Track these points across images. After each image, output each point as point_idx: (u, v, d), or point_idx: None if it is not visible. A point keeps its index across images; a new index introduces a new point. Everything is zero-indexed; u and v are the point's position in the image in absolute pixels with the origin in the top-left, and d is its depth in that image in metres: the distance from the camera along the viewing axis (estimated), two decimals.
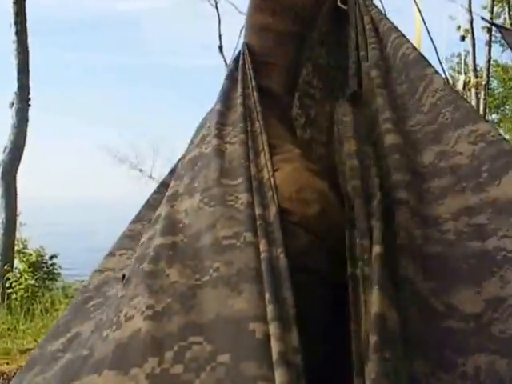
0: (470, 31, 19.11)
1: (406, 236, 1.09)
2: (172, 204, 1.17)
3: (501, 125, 27.74)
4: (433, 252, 1.12)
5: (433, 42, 1.95)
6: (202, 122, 1.38)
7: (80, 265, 8.85)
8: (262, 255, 0.99)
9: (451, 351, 0.99)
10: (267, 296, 0.93)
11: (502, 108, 27.51)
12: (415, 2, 2.78)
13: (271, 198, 1.09)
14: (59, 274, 7.87)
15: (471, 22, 18.32)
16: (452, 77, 14.02)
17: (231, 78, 1.41)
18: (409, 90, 1.41)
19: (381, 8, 1.64)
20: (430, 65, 1.44)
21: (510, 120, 25.85)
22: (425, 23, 2.11)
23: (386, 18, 1.58)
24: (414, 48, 1.49)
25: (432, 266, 1.09)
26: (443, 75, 1.54)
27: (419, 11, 2.65)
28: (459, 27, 17.58)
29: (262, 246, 1.00)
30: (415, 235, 1.11)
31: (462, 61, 13.09)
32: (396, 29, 1.53)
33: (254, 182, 1.12)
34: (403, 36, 1.51)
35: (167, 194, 1.23)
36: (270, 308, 0.91)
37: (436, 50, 1.94)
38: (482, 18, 7.01)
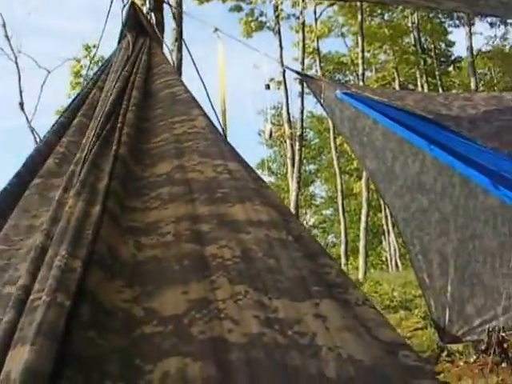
0: (283, 82, 18.91)
1: (106, 248, 1.15)
2: None
3: (318, 175, 28.37)
4: (147, 257, 1.19)
5: (209, 98, 2.57)
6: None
7: None
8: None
9: (141, 359, 0.96)
10: None
11: (318, 158, 28.14)
12: (218, 77, 3.10)
13: None
14: None
15: (283, 73, 18.05)
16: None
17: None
18: (163, 115, 1.85)
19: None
20: (199, 107, 1.90)
21: (328, 170, 26.33)
22: (202, 81, 2.72)
23: (167, 64, 2.31)
24: (187, 91, 2.03)
25: (142, 272, 1.14)
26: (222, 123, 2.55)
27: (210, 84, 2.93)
28: (272, 79, 17.12)
29: None
30: (119, 247, 1.19)
31: (269, 111, 13.17)
32: (174, 73, 2.30)
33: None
34: (179, 80, 2.17)
35: None
36: None
37: (211, 103, 2.57)
38: (287, 67, 7.27)
